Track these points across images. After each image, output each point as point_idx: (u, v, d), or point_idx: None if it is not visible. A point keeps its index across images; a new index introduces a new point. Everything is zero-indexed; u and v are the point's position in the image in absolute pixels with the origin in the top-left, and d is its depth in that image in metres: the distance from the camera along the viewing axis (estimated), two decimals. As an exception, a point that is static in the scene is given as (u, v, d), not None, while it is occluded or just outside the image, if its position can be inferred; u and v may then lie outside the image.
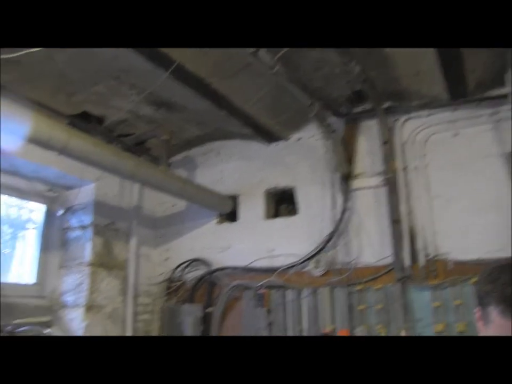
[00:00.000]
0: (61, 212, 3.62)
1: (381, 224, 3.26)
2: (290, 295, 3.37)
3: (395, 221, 3.18)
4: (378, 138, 3.38)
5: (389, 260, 3.15)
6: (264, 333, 3.32)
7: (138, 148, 3.74)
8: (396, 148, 3.36)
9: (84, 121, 3.26)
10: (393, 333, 3.00)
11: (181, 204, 3.99)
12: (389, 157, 3.31)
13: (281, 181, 3.72)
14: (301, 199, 3.60)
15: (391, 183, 3.26)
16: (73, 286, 3.45)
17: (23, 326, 2.95)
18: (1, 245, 3.33)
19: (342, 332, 3.15)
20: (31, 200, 3.54)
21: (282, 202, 3.76)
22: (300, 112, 3.35)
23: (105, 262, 3.58)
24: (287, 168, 3.71)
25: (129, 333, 3.57)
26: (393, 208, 3.20)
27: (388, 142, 3.33)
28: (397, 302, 3.04)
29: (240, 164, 3.92)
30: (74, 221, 3.61)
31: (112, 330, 3.49)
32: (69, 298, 3.44)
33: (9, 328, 2.86)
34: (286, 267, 3.44)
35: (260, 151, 3.84)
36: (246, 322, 3.46)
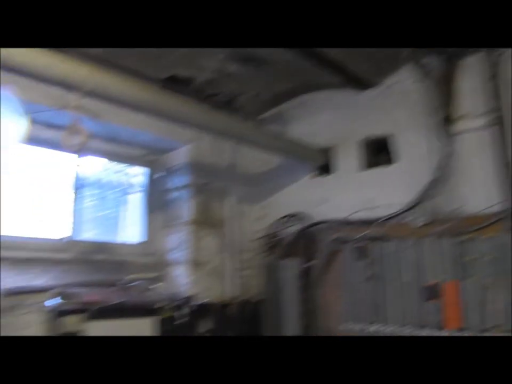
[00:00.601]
0: (161, 174, 3.78)
1: (487, 169, 2.98)
2: (391, 247, 3.25)
3: (505, 164, 2.89)
4: (481, 75, 3.06)
5: (498, 208, 2.89)
6: (365, 286, 3.26)
7: (228, 106, 3.75)
8: (502, 85, 3.02)
9: (173, 84, 3.31)
10: (504, 286, 2.78)
11: (275, 160, 3.96)
12: (494, 94, 3.00)
13: (376, 129, 3.53)
14: (399, 146, 3.40)
15: (498, 123, 2.95)
16: (177, 244, 3.62)
17: (134, 281, 3.16)
18: (110, 209, 3.58)
19: (449, 284, 2.99)
20: (133, 164, 3.73)
21: (379, 151, 3.59)
22: (392, 54, 3.13)
23: (205, 220, 3.69)
24: (382, 115, 3.50)
25: (231, 288, 3.70)
26: (503, 150, 2.91)
27: (493, 78, 3.01)
28: (508, 253, 2.80)
29: (333, 114, 3.78)
30: (173, 182, 3.76)
31: (215, 286, 3.63)
32: (173, 255, 3.62)
33: (122, 282, 3.08)
34: (386, 218, 3.30)
35: (352, 100, 3.67)
36: (347, 276, 3.41)
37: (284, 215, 3.87)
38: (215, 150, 3.82)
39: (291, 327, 3.52)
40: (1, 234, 2.80)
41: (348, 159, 3.64)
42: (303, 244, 3.70)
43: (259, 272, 3.87)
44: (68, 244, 3.11)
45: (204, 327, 3.43)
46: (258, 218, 4.02)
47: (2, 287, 2.55)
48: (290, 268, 3.66)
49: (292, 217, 3.83)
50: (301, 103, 3.95)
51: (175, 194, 3.74)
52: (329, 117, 3.79)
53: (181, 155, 3.73)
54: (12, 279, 2.68)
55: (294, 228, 3.79)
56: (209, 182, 3.76)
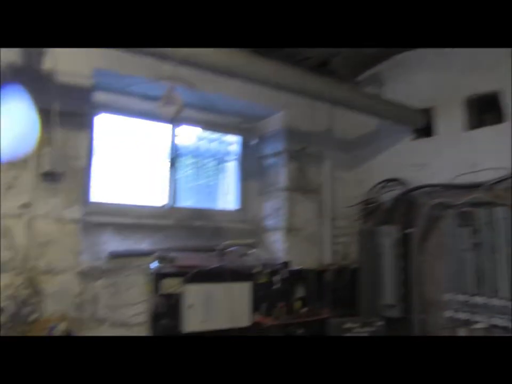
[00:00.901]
0: (255, 142, 3.81)
1: None
2: (500, 212, 3.00)
3: None
4: None
5: None
6: (469, 254, 3.05)
7: (322, 69, 3.64)
8: None
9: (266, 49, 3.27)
10: None
11: (372, 123, 3.80)
12: None
13: (482, 86, 3.22)
14: (509, 103, 3.09)
15: None
16: (273, 210, 3.65)
17: (231, 247, 3.25)
18: (207, 177, 3.69)
19: None
20: (228, 133, 3.79)
21: (485, 110, 3.29)
22: None
23: (301, 187, 3.67)
24: (488, 70, 3.18)
25: (327, 255, 3.67)
26: None
27: None
28: None
29: (432, 73, 3.51)
30: (268, 149, 3.76)
31: (311, 252, 3.62)
32: (269, 222, 3.66)
33: (219, 248, 3.18)
34: (494, 182, 3.04)
35: (453, 56, 3.37)
36: (449, 243, 3.21)
37: (381, 180, 3.73)
38: (309, 115, 3.75)
39: (388, 295, 3.43)
40: (107, 201, 3.02)
41: (450, 120, 3.38)
42: (402, 210, 3.55)
43: (356, 239, 3.80)
44: (168, 211, 3.27)
45: (299, 293, 3.45)
46: (355, 183, 3.91)
47: (108, 251, 2.75)
48: (389, 235, 3.53)
49: (390, 182, 3.68)
50: (398, 62, 3.72)
51: (270, 161, 3.76)
52: (429, 75, 3.53)
53: (275, 121, 3.72)
54: (117, 244, 2.88)
55: (392, 194, 3.65)
56: (304, 147, 3.72)
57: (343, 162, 3.96)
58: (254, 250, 3.40)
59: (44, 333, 2.49)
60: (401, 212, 3.55)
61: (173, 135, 3.39)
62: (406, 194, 3.55)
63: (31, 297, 2.46)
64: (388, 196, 3.67)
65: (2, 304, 2.41)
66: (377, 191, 3.75)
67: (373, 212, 3.73)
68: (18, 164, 2.53)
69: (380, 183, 3.74)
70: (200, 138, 3.66)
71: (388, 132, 3.73)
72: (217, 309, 3.01)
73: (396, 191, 3.62)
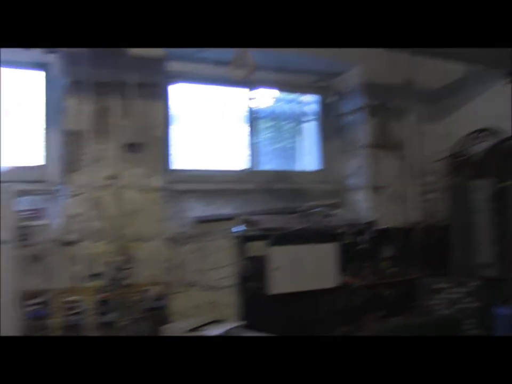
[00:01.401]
0: (334, 100, 3.68)
1: None
2: None
3: None
4: None
5: None
6: None
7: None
8: None
9: None
10: None
11: (458, 70, 3.52)
12: None
13: None
14: None
15: None
16: (355, 169, 3.54)
17: (314, 208, 3.21)
18: (286, 139, 3.64)
19: None
20: (305, 92, 3.70)
21: None
22: None
23: (383, 143, 3.52)
24: None
25: (415, 213, 3.52)
26: None
27: None
28: None
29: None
30: (347, 106, 3.63)
31: (397, 211, 3.49)
32: (352, 181, 3.56)
33: (302, 209, 3.16)
34: None
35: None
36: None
37: (471, 131, 3.47)
38: (389, 67, 3.54)
39: (484, 253, 3.23)
40: (189, 169, 3.07)
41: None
42: (495, 162, 3.30)
43: (445, 195, 3.60)
44: (249, 175, 3.28)
45: (387, 252, 3.36)
46: (442, 136, 3.68)
47: (193, 217, 2.82)
48: (482, 189, 3.30)
49: (481, 132, 3.42)
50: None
51: (350, 118, 3.62)
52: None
53: (353, 77, 3.56)
54: (200, 209, 2.93)
55: (484, 145, 3.39)
56: (385, 102, 3.55)
57: (428, 114, 3.73)
58: (338, 210, 3.34)
59: (138, 296, 2.62)
60: (495, 164, 3.30)
61: (250, 99, 3.36)
62: (500, 144, 3.29)
63: (125, 263, 2.58)
64: (479, 147, 3.42)
65: (100, 270, 2.56)
66: (467, 143, 3.50)
67: (463, 165, 3.49)
68: (103, 138, 2.63)
69: (470, 134, 3.49)
70: (277, 100, 3.60)
71: (478, 77, 3.45)
72: (303, 270, 3.01)
73: (489, 142, 3.37)
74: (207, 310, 2.78)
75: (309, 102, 3.73)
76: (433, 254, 3.47)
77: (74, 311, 2.51)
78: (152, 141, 2.72)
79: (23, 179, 2.64)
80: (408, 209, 3.53)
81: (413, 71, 3.63)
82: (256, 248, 2.88)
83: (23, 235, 2.51)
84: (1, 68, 2.67)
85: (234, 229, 2.87)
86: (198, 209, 2.91)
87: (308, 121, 3.72)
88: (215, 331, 2.42)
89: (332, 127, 3.69)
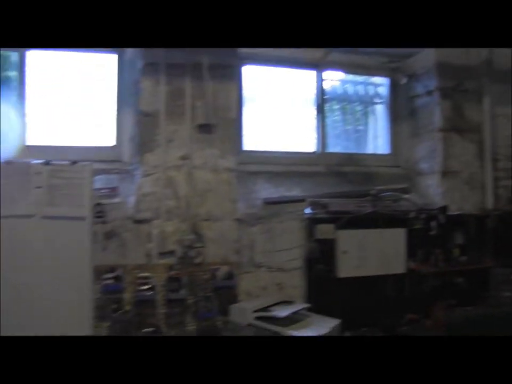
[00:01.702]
0: (405, 81, 3.56)
1: None
2: None
3: None
4: None
5: None
6: None
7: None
8: None
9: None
10: None
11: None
12: None
13: None
14: None
15: None
16: (426, 153, 3.42)
17: (383, 192, 3.13)
18: (356, 122, 3.57)
19: None
20: (375, 74, 3.60)
21: None
22: None
23: (457, 126, 3.38)
24: None
25: (489, 199, 3.36)
26: None
27: None
28: None
29: None
30: (419, 88, 3.50)
31: (471, 196, 3.35)
32: (423, 165, 3.45)
33: (371, 193, 3.09)
34: None
35: None
36: None
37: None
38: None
39: None
40: (259, 150, 3.08)
41: None
42: None
43: (523, 181, 3.41)
44: (318, 157, 3.24)
45: (458, 239, 3.24)
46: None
47: (262, 198, 2.82)
48: None
49: None
50: None
51: (422, 100, 3.50)
52: None
53: (425, 57, 3.42)
54: (269, 191, 2.94)
55: None
56: (459, 83, 3.39)
57: (506, 97, 3.54)
58: (408, 195, 3.25)
59: (207, 275, 2.67)
60: None
61: (319, 81, 3.31)
62: None
63: (195, 242, 2.63)
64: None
65: (171, 248, 2.63)
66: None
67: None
68: (176, 119, 2.68)
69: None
70: (346, 82, 3.53)
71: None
72: (371, 255, 2.95)
73: None
74: (273, 291, 2.80)
75: (379, 84, 3.63)
76: (508, 242, 3.32)
77: (145, 287, 2.59)
78: (224, 122, 2.75)
79: (99, 159, 2.74)
80: (482, 196, 3.38)
81: (490, 51, 3.45)
82: (324, 231, 2.85)
83: (99, 212, 2.61)
84: (76, 51, 2.77)
85: (303, 211, 2.85)
86: (267, 190, 2.91)
87: (378, 103, 3.63)
88: (282, 312, 2.42)
89: (402, 109, 3.58)
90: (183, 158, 2.65)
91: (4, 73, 3.12)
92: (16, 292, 2.50)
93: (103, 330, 2.60)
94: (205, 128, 2.69)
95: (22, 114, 2.82)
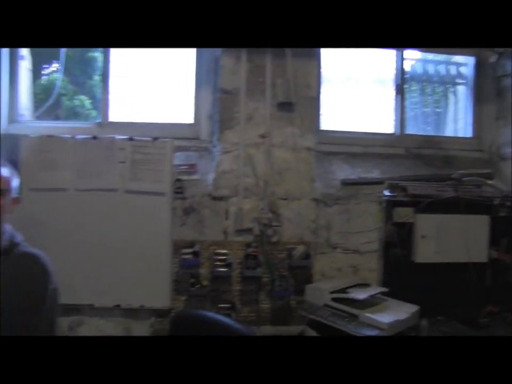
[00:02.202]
0: (494, 59, 3.36)
1: None
2: None
3: None
4: None
5: None
6: None
7: None
8: None
9: None
10: None
11: None
12: None
13: None
14: None
15: None
16: (512, 137, 3.23)
17: (464, 177, 2.99)
18: (437, 103, 3.42)
19: None
20: (459, 53, 3.43)
21: None
22: None
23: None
24: None
25: None
26: None
27: None
28: None
29: None
30: (509, 66, 3.29)
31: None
32: (508, 150, 3.26)
33: (452, 177, 2.96)
34: None
35: None
36: None
37: None
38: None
39: None
40: (337, 130, 3.02)
41: None
42: None
43: None
44: (396, 139, 3.14)
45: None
46: None
47: (339, 179, 2.77)
48: None
49: None
50: None
51: (509, 81, 3.29)
52: None
53: (516, 35, 3.21)
54: (346, 172, 2.88)
55: None
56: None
57: None
58: (492, 181, 3.09)
59: (283, 254, 2.67)
60: None
61: (399, 60, 3.19)
62: None
63: (272, 220, 2.63)
64: None
65: (248, 226, 2.64)
66: None
67: None
68: (256, 96, 2.67)
69: None
70: (427, 62, 3.38)
71: None
72: (451, 241, 2.84)
73: None
74: (348, 273, 2.76)
75: (462, 63, 3.46)
76: None
77: (222, 263, 2.62)
78: (304, 100, 2.71)
79: (178, 136, 2.78)
80: None
81: None
82: (403, 214, 2.76)
83: (179, 188, 2.66)
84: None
85: (381, 194, 2.78)
86: (345, 171, 2.86)
87: (460, 84, 3.46)
88: (360, 294, 2.38)
89: (487, 90, 3.38)
90: (263, 136, 2.64)
91: (89, 54, 3.24)
92: (98, 262, 2.61)
93: (180, 303, 2.67)
94: (284, 106, 2.67)
95: (106, 92, 2.91)
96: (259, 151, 2.65)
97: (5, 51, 2.85)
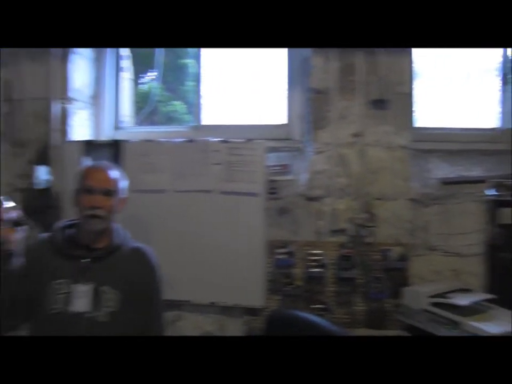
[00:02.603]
0: None
1: None
2: None
3: None
4: None
5: None
6: None
7: None
8: None
9: None
10: None
11: None
12: None
13: None
14: None
15: None
16: None
17: None
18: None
19: None
20: None
21: None
22: None
23: None
24: None
25: None
26: None
27: None
28: None
29: None
30: None
31: None
32: None
33: None
34: None
35: None
36: None
37: None
38: None
39: None
40: (432, 127, 2.89)
41: None
42: None
43: None
44: (502, 134, 2.94)
45: None
46: None
47: (437, 177, 2.65)
48: None
49: None
50: None
51: None
52: None
53: None
54: (444, 170, 2.75)
55: None
56: None
57: None
58: None
59: (378, 255, 2.60)
60: None
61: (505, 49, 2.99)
62: None
63: (367, 221, 2.57)
64: None
65: (342, 226, 2.61)
66: None
67: None
68: (348, 95, 2.63)
69: None
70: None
71: None
72: None
73: None
74: (448, 276, 2.63)
75: None
76: None
77: (316, 264, 2.61)
78: (397, 97, 2.62)
79: (271, 137, 2.80)
80: None
81: None
82: (510, 215, 2.58)
83: (272, 189, 2.68)
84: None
85: (484, 193, 2.62)
86: (443, 169, 2.73)
87: None
88: (462, 300, 2.25)
89: None
90: (356, 135, 2.60)
91: (181, 61, 3.38)
92: (195, 260, 2.70)
93: (274, 302, 2.69)
94: (377, 103, 2.60)
95: (199, 96, 3.01)
96: (352, 150, 2.61)
97: (110, 63, 3.06)
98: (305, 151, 2.73)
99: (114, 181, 1.79)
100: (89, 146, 2.82)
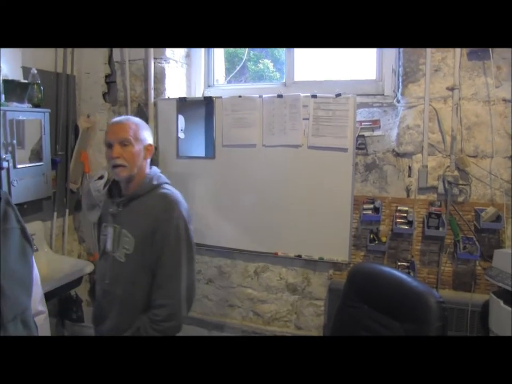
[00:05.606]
0: None
1: None
2: None
3: None
4: None
5: None
6: None
7: None
8: None
9: None
10: None
11: None
12: None
13: None
14: None
15: None
16: None
17: None
18: None
19: None
20: None
21: None
22: None
23: None
24: None
25: None
26: None
27: None
28: None
29: None
30: None
31: None
32: None
33: None
34: None
35: None
36: None
37: None
38: None
39: None
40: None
41: None
42: None
43: None
44: None
45: None
46: None
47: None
48: None
49: None
50: None
51: None
52: None
53: None
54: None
55: None
56: None
57: None
58: None
59: (470, 215, 2.51)
60: None
61: None
62: None
63: (459, 179, 2.48)
64: None
65: (432, 184, 2.54)
66: None
67: None
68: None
69: None
70: None
71: None
72: None
73: None
74: (546, 240, 2.48)
75: None
76: None
77: (403, 221, 2.56)
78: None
79: (361, 92, 2.76)
80: None
81: None
82: None
83: (361, 144, 2.66)
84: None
85: None
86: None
87: None
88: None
89: None
90: (451, 88, 2.48)
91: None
92: (282, 214, 2.77)
93: (359, 258, 2.71)
94: (476, 54, 2.45)
95: (290, 53, 3.01)
96: (446, 105, 2.49)
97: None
98: (396, 106, 2.66)
99: (132, 131, 1.85)
100: (183, 103, 2.95)
